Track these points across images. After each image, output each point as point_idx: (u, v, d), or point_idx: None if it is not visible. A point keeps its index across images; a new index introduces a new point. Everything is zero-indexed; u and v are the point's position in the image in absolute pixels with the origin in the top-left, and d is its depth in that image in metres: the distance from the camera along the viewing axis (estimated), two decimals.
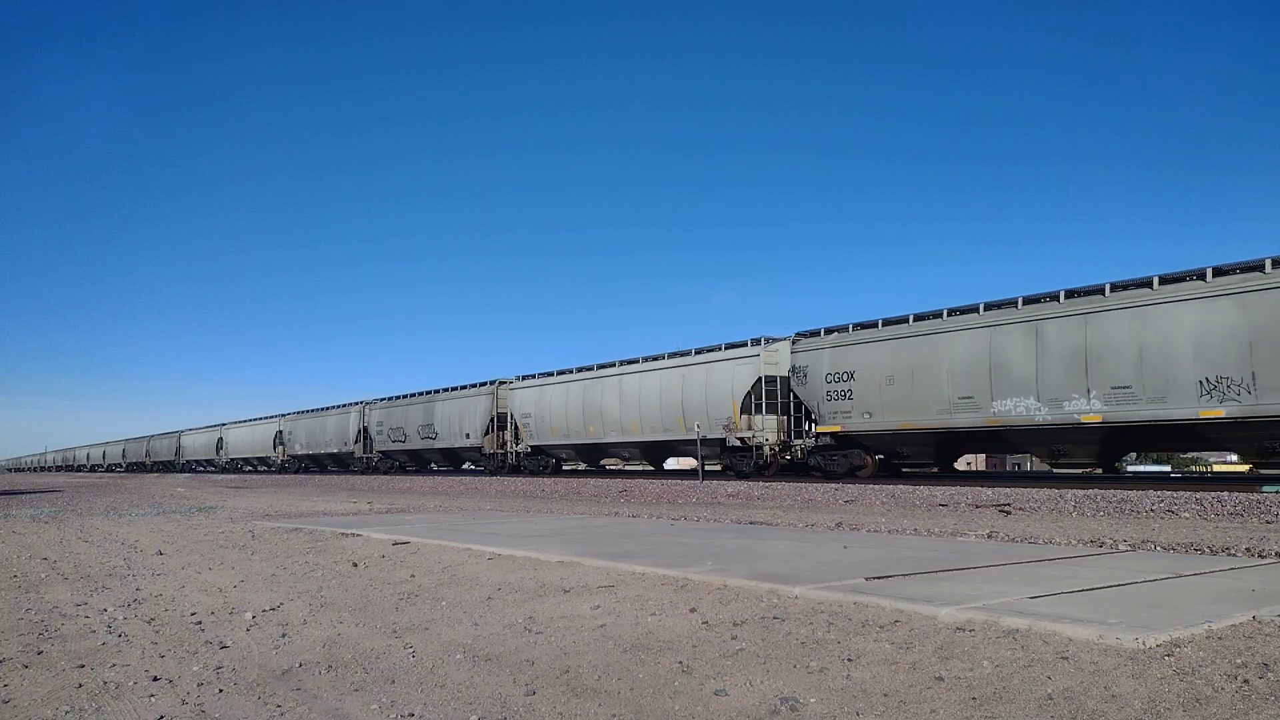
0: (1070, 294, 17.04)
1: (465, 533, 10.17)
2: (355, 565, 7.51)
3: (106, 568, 7.85)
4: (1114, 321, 16.23)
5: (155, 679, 3.85)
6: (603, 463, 32.21)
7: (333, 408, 46.30)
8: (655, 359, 26.64)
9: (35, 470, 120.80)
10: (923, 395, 19.11)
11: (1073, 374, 16.68)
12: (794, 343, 22.50)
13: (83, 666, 4.11)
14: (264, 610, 5.42)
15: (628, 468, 32.84)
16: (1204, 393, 15.04)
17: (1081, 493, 14.09)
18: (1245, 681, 3.34)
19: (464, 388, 35.48)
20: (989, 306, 18.35)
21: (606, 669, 3.80)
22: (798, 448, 22.70)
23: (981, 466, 45.67)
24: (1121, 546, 8.11)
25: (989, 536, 9.24)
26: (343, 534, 10.23)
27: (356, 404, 43.75)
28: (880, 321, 20.50)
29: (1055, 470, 19.28)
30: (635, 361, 27.37)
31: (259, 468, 54.34)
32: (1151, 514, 11.84)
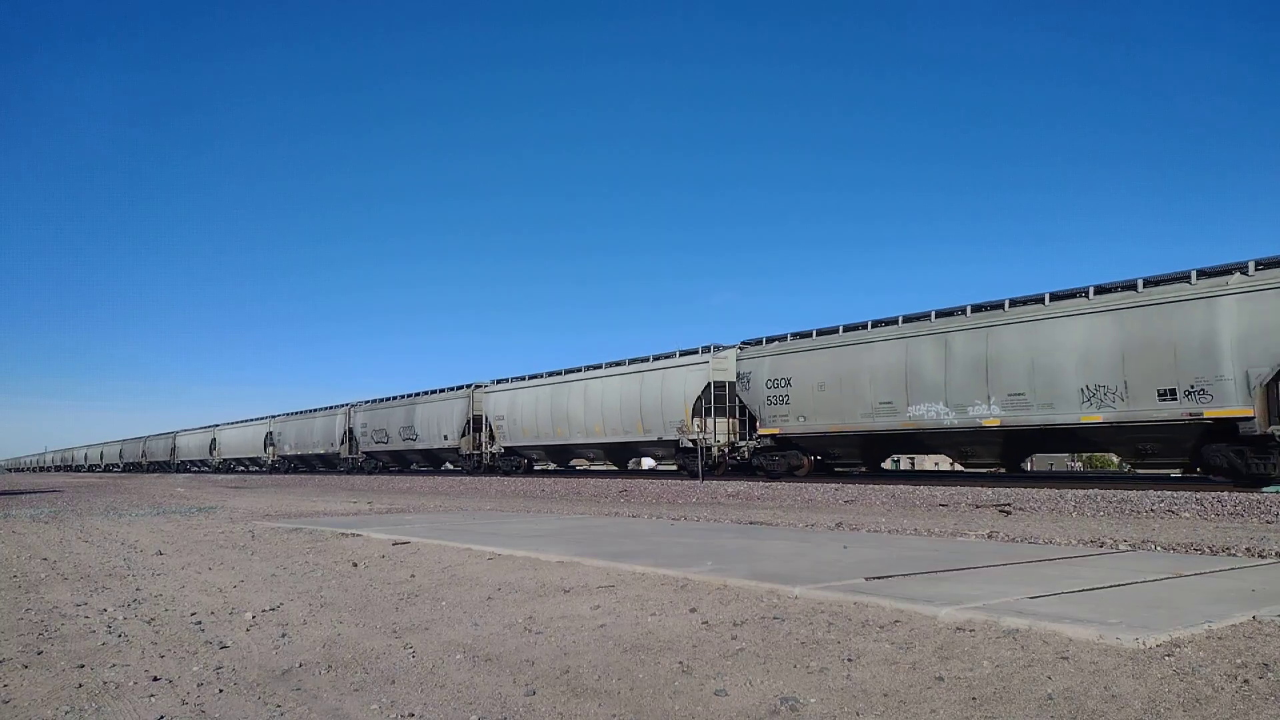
0: (976, 308, 18.63)
1: (465, 533, 10.17)
2: (355, 565, 7.51)
3: (106, 568, 7.84)
4: (1011, 334, 17.81)
5: (155, 679, 3.85)
6: (572, 463, 33.95)
7: (320, 410, 47.75)
8: (617, 365, 28.26)
9: (35, 470, 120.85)
10: (849, 400, 20.69)
11: (976, 382, 18.24)
12: (740, 350, 23.98)
13: (83, 666, 4.11)
14: (264, 610, 5.42)
15: (593, 467, 34.25)
16: (1085, 399, 16.55)
17: (1081, 493, 14.10)
18: (1245, 681, 3.34)
19: (442, 391, 36.94)
20: (906, 319, 19.91)
21: (606, 669, 3.80)
22: (744, 449, 24.13)
23: None
24: (1121, 546, 8.11)
25: (989, 536, 9.24)
26: (343, 534, 10.23)
27: (342, 406, 45.12)
28: (815, 331, 22.03)
29: (965, 469, 20.74)
30: (599, 367, 28.97)
31: (250, 468, 55.79)
32: (1151, 514, 11.84)
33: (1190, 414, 15.27)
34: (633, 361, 27.68)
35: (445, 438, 36.13)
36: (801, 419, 21.89)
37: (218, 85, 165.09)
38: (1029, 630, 4.17)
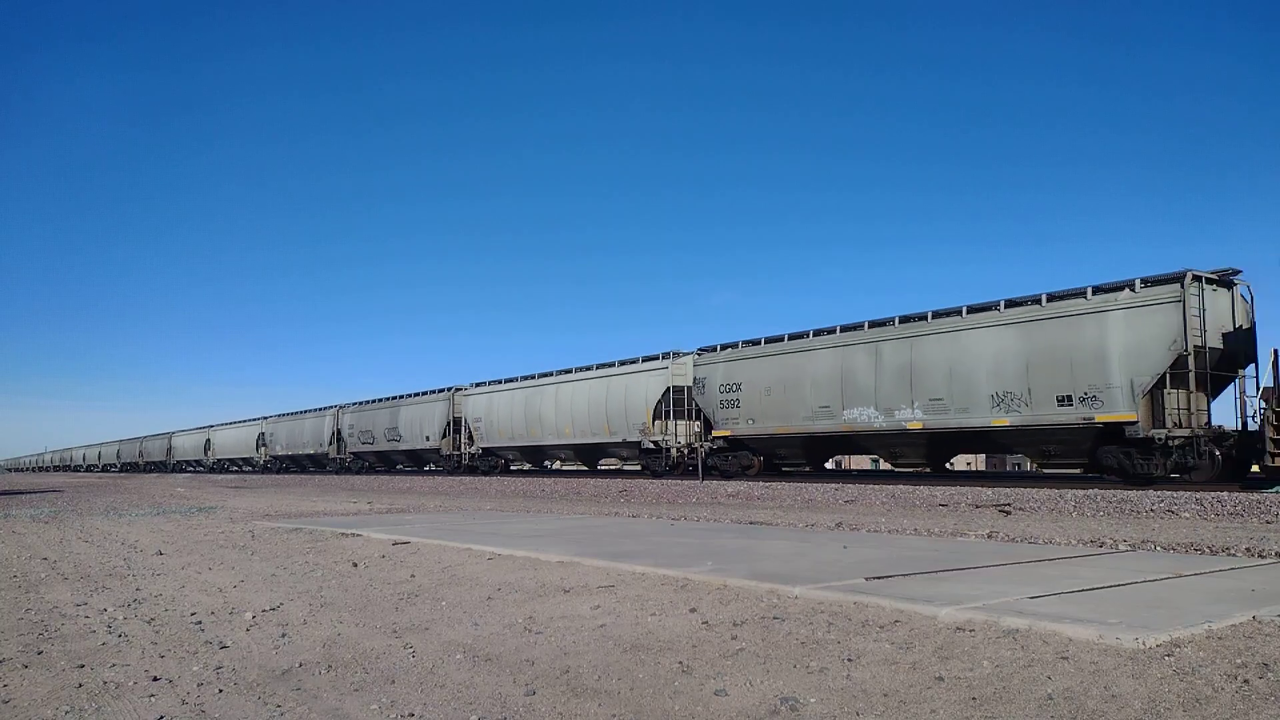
0: (903, 319, 19.97)
1: (465, 533, 10.17)
2: (355, 565, 7.51)
3: (106, 568, 7.85)
4: (932, 344, 19.18)
5: (155, 679, 3.85)
6: (545, 463, 35.28)
7: (309, 411, 48.83)
8: (586, 369, 29.53)
9: (34, 470, 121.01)
10: (793, 404, 22.06)
11: (901, 388, 19.63)
12: (697, 356, 25.46)
13: (83, 666, 4.11)
14: (264, 610, 5.42)
15: (565, 467, 35.58)
16: (995, 405, 17.97)
17: (1081, 493, 14.10)
18: (1245, 681, 3.34)
19: (425, 393, 38.18)
20: (844, 329, 21.33)
21: (606, 669, 3.80)
22: (702, 450, 25.42)
23: (981, 467, 45.74)
24: (1121, 546, 8.11)
25: (989, 536, 9.24)
26: (343, 534, 10.23)
27: (331, 408, 46.16)
28: (764, 340, 23.38)
29: (897, 469, 21.90)
30: (569, 371, 30.31)
31: (243, 468, 56.87)
32: (1151, 514, 11.84)
33: (1084, 419, 16.62)
34: (600, 366, 28.91)
35: (427, 439, 37.29)
36: (751, 422, 23.13)
37: (218, 85, 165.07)
38: (1029, 630, 4.17)
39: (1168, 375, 15.70)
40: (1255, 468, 15.72)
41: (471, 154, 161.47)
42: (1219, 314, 16.31)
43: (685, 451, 26.00)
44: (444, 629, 4.73)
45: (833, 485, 18.83)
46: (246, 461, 56.37)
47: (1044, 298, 17.47)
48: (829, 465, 27.63)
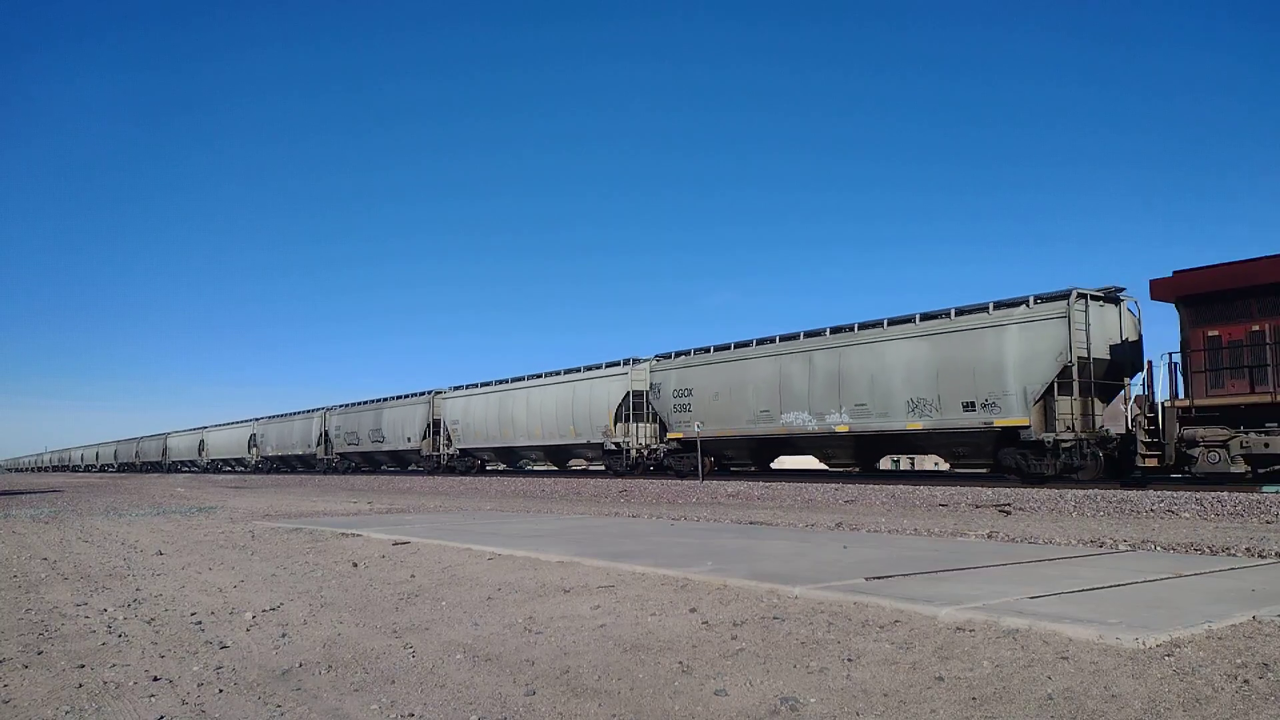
0: (834, 330, 21.57)
1: (465, 533, 10.17)
2: (355, 565, 7.51)
3: (106, 568, 7.85)
4: (857, 354, 20.77)
5: (155, 679, 3.85)
6: (519, 464, 36.97)
7: (299, 413, 50.47)
8: (554, 374, 31.15)
9: (33, 471, 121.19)
10: (737, 408, 23.61)
11: (831, 394, 21.19)
12: (654, 363, 27.14)
13: (83, 666, 4.11)
14: (264, 610, 5.42)
15: (536, 467, 37.29)
16: (910, 410, 19.49)
17: (1081, 493, 14.10)
18: (1245, 681, 3.34)
19: (407, 396, 39.96)
20: (782, 338, 22.87)
21: (606, 669, 3.80)
22: (659, 450, 27.10)
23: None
24: (1121, 546, 8.11)
25: (989, 536, 9.24)
26: (343, 534, 10.23)
27: (319, 410, 47.73)
28: (713, 348, 25.04)
29: (831, 468, 23.35)
30: (539, 376, 32.00)
31: (236, 468, 58.34)
32: (1151, 514, 11.84)
33: (985, 423, 18.22)
34: (567, 372, 30.56)
35: (409, 440, 38.88)
36: (701, 424, 24.58)
37: (218, 85, 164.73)
38: (1029, 630, 4.17)
39: (1056, 384, 17.12)
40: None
41: (471, 154, 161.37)
42: (1107, 328, 17.71)
43: (644, 452, 27.53)
44: (444, 629, 4.73)
45: (833, 485, 18.86)
46: (239, 462, 57.94)
47: (953, 312, 19.05)
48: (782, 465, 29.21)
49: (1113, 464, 17.14)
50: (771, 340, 23.18)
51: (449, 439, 36.36)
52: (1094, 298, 17.44)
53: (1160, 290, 16.07)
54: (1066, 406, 17.15)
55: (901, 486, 17.35)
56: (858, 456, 22.21)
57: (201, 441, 63.41)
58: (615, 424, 27.72)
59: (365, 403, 43.24)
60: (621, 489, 21.35)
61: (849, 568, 6.45)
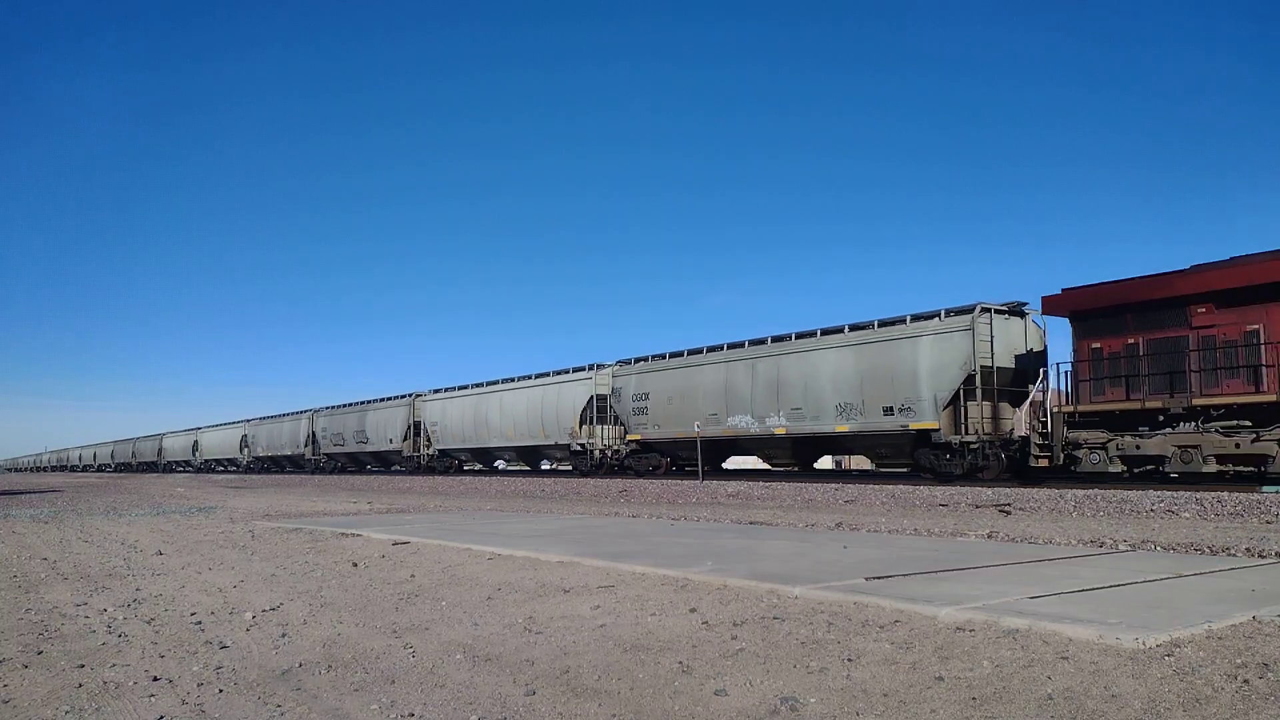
0: (776, 339, 23.19)
1: (465, 533, 10.17)
2: (355, 565, 7.51)
3: (106, 568, 7.85)
4: (793, 361, 22.45)
5: (155, 679, 3.85)
6: (494, 464, 38.44)
7: (287, 415, 51.96)
8: (526, 378, 32.93)
9: (33, 470, 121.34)
10: (689, 412, 25.17)
11: (771, 399, 22.80)
12: (615, 369, 28.78)
13: (83, 666, 4.11)
14: (264, 610, 5.42)
15: (510, 467, 38.93)
16: (839, 414, 21.20)
17: (1081, 493, 14.10)
18: (1245, 681, 3.34)
19: (389, 399, 41.77)
20: (729, 347, 24.63)
21: (606, 669, 3.80)
22: (621, 451, 28.66)
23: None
24: (1121, 546, 8.11)
25: (989, 536, 9.24)
26: (343, 534, 10.23)
27: (306, 411, 49.24)
28: (668, 354, 26.86)
29: (773, 468, 25.12)
30: (512, 380, 33.76)
31: (229, 468, 59.64)
32: (1151, 514, 11.84)
33: (902, 426, 19.77)
34: (537, 376, 32.28)
35: (391, 441, 40.58)
36: (657, 427, 26.48)
37: (218, 85, 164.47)
38: (1029, 630, 4.17)
39: (963, 390, 18.62)
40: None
41: (471, 154, 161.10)
42: (1012, 339, 19.32)
43: (608, 453, 29.12)
44: (444, 629, 4.73)
45: (833, 485, 18.89)
46: (232, 462, 59.29)
47: (876, 324, 20.85)
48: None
49: (1015, 464, 18.45)
50: (720, 348, 24.93)
51: (428, 440, 37.94)
52: (999, 312, 19.02)
53: (1051, 306, 17.49)
54: (976, 411, 18.59)
55: (901, 486, 17.36)
56: (796, 456, 23.95)
57: (196, 442, 64.75)
58: (580, 426, 29.32)
59: (350, 405, 44.79)
60: (621, 489, 21.35)
61: (849, 568, 6.45)
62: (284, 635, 4.67)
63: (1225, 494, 12.89)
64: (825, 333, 21.97)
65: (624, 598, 5.49)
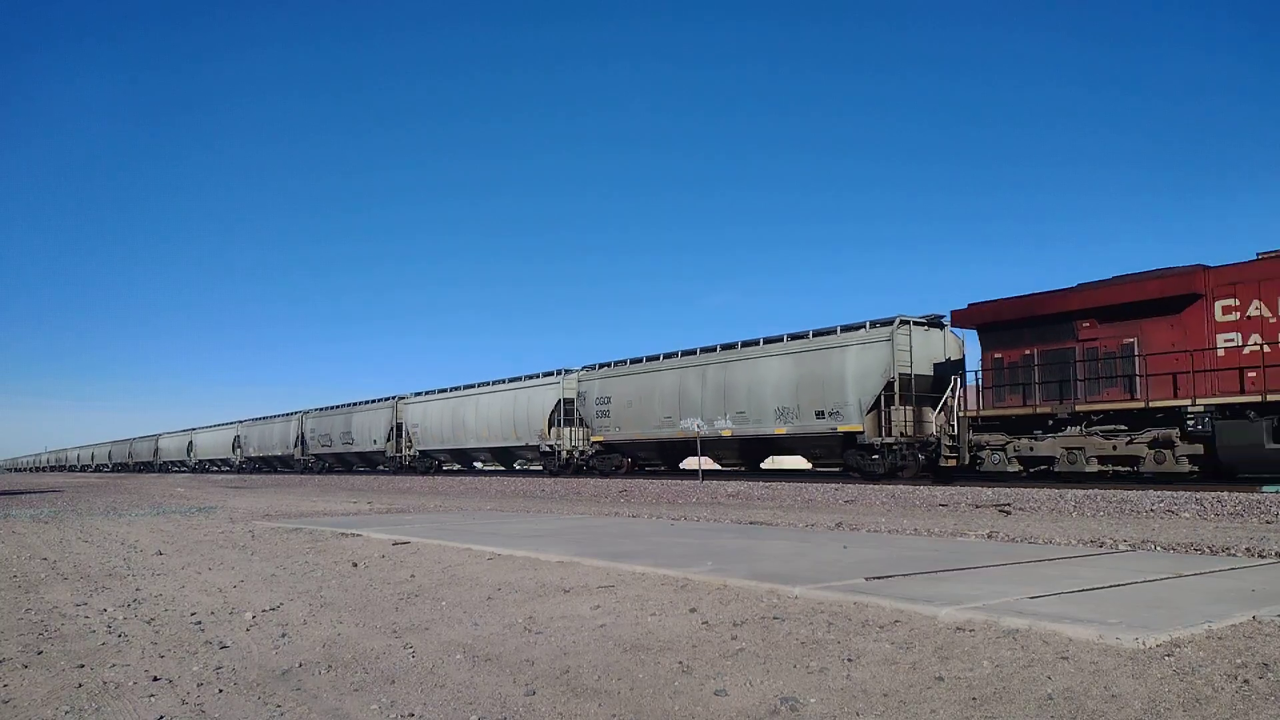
0: (724, 347, 24.95)
1: (465, 533, 10.17)
2: (355, 565, 7.51)
3: (106, 568, 7.85)
4: (739, 368, 24.10)
5: (155, 679, 3.85)
6: (471, 464, 39.90)
7: (278, 416, 53.27)
8: (499, 382, 34.58)
9: (32, 470, 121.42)
10: (647, 415, 26.97)
11: (719, 403, 24.50)
12: (581, 374, 30.40)
13: (83, 666, 4.11)
14: (264, 610, 5.42)
15: (486, 467, 40.21)
16: (778, 417, 22.76)
17: (1081, 493, 14.10)
18: (1245, 681, 3.34)
19: (373, 401, 43.47)
20: (683, 354, 26.30)
21: (606, 669, 3.80)
22: (587, 452, 29.99)
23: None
24: (1121, 546, 8.11)
25: (989, 536, 9.24)
26: (343, 534, 10.23)
27: (296, 413, 50.65)
28: (629, 360, 28.43)
29: (723, 467, 26.61)
30: (487, 384, 35.38)
31: (222, 468, 60.83)
32: (1151, 514, 11.84)
33: (831, 429, 21.48)
34: (510, 380, 33.99)
35: (375, 442, 42.28)
36: (618, 429, 28.02)
37: (218, 85, 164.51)
38: (1029, 630, 4.17)
39: (884, 396, 20.18)
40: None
41: (471, 154, 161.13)
42: (931, 349, 20.86)
43: (575, 454, 30.48)
44: (444, 629, 4.73)
45: (833, 485, 18.90)
46: (224, 462, 60.38)
47: (811, 334, 22.44)
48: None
49: (932, 464, 19.79)
50: (675, 355, 26.58)
51: (409, 441, 39.57)
52: (918, 324, 20.62)
53: (960, 319, 19.13)
54: (897, 415, 20.09)
55: (901, 487, 17.37)
56: (743, 457, 25.63)
57: (190, 443, 65.81)
58: (550, 428, 30.94)
59: (337, 407, 46.45)
60: (621, 489, 21.35)
61: (849, 568, 6.45)
62: (284, 635, 4.67)
63: (1225, 494, 12.89)
64: (768, 341, 23.56)
65: (624, 598, 5.49)
